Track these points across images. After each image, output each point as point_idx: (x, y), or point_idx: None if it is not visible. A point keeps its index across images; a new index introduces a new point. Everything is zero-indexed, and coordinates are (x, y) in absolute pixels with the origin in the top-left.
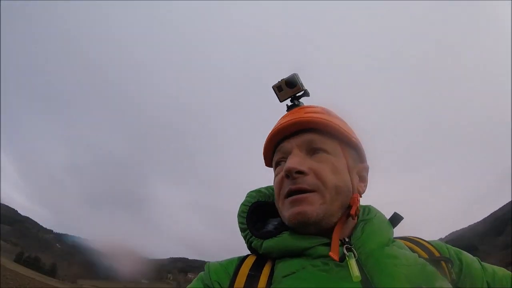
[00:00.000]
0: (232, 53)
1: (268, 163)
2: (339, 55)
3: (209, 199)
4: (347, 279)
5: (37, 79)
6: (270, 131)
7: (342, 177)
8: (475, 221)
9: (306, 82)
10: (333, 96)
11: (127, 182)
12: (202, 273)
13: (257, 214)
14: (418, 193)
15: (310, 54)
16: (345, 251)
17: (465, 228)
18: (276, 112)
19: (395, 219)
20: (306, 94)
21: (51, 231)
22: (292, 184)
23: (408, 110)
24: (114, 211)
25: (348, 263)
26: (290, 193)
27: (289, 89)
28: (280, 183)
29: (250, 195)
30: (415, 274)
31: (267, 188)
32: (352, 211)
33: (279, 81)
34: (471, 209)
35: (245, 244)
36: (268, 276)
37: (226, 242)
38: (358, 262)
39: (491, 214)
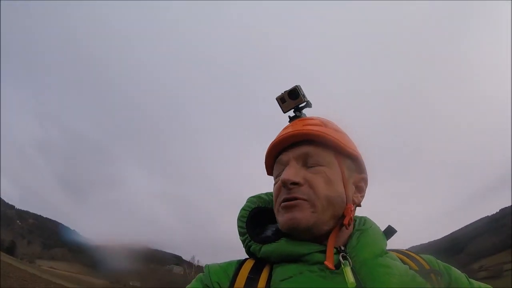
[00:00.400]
0: (219, 45)
1: (270, 172)
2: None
3: (177, 191)
4: (343, 285)
5: (9, 49)
6: (271, 140)
7: (335, 188)
8: (435, 238)
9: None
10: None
11: (96, 163)
12: (201, 274)
13: (257, 219)
14: (381, 204)
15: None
16: (340, 258)
17: (425, 244)
18: (259, 110)
19: (389, 231)
20: (308, 105)
21: (13, 207)
22: (287, 193)
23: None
24: (79, 191)
25: (344, 271)
26: (285, 201)
27: (292, 100)
28: (277, 191)
29: (250, 200)
30: (406, 284)
31: (267, 194)
32: (345, 221)
33: (282, 93)
34: (434, 226)
35: (244, 248)
36: (267, 280)
37: (190, 236)
38: (352, 270)
39: (452, 233)
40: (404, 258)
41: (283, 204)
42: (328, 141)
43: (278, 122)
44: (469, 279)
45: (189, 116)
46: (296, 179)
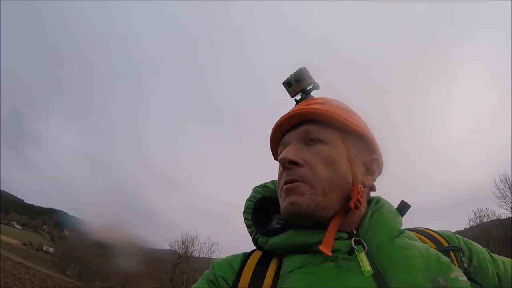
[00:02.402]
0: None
1: (276, 157)
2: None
3: (104, 154)
4: (358, 273)
5: None
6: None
7: (337, 168)
8: None
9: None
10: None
11: (21, 108)
12: (207, 271)
13: (263, 209)
14: None
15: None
16: (353, 244)
17: None
18: (213, 96)
19: (403, 207)
20: (315, 87)
21: None
22: (287, 175)
23: None
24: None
25: (358, 257)
26: (286, 184)
27: (298, 83)
28: (280, 174)
29: (256, 190)
30: (429, 265)
31: (273, 183)
32: (351, 204)
33: (288, 77)
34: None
35: (252, 240)
36: (275, 271)
37: (111, 206)
38: (368, 255)
39: None
40: (421, 236)
41: (284, 187)
42: (331, 119)
43: (230, 109)
44: (491, 253)
45: (136, 80)
46: (294, 158)
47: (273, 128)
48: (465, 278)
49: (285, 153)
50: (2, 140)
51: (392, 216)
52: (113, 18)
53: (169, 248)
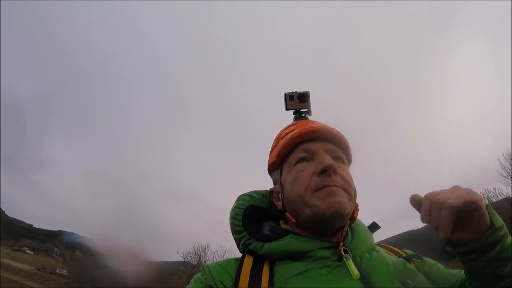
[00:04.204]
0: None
1: (279, 159)
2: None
3: (111, 172)
4: (348, 278)
5: None
6: (279, 134)
7: (353, 185)
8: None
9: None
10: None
11: (26, 134)
12: (199, 274)
13: (250, 217)
14: None
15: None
16: (342, 252)
17: None
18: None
19: (373, 227)
20: (309, 113)
21: None
22: (330, 181)
23: None
24: (7, 160)
25: (347, 264)
26: (325, 187)
27: (299, 102)
28: (309, 177)
29: (243, 198)
30: (400, 271)
31: (257, 193)
32: (355, 215)
33: (292, 92)
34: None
35: (239, 246)
36: (269, 277)
37: (121, 224)
38: (354, 262)
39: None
40: (386, 250)
41: (326, 189)
42: (348, 148)
43: (227, 124)
44: (440, 265)
45: (141, 96)
46: (337, 168)
47: (298, 134)
48: (425, 280)
49: (329, 161)
50: (9, 167)
51: (366, 233)
52: (114, 38)
53: (182, 259)
